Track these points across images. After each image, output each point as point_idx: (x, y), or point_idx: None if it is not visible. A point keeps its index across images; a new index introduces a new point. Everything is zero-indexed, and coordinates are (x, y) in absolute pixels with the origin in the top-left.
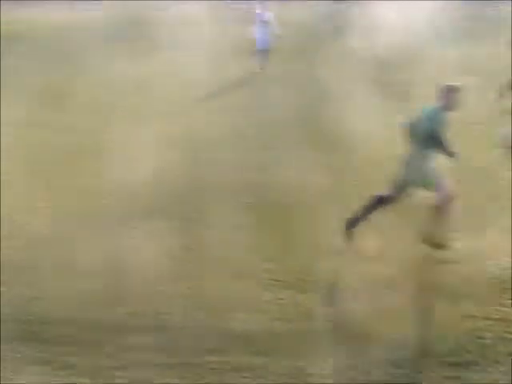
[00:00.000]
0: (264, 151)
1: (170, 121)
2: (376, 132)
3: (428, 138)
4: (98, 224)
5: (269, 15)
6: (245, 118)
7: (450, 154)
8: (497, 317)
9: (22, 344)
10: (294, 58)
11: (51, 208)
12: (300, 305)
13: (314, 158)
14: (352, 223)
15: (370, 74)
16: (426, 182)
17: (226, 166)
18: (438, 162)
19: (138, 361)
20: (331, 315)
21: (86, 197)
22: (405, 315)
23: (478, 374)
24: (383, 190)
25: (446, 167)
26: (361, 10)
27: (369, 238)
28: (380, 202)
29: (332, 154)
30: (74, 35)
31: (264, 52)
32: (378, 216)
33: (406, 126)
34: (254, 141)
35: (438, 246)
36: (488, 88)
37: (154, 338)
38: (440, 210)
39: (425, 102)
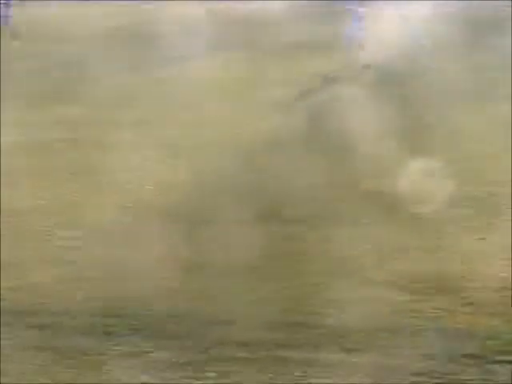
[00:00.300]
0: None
1: (259, 120)
2: None
3: None
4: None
5: (361, 12)
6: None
7: None
8: None
9: (121, 337)
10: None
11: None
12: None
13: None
14: None
15: None
16: None
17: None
18: None
19: (225, 355)
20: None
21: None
22: None
23: None
24: None
25: None
26: None
27: None
28: None
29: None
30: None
31: (359, 48)
32: None
33: None
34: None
35: None
36: None
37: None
38: None
39: None
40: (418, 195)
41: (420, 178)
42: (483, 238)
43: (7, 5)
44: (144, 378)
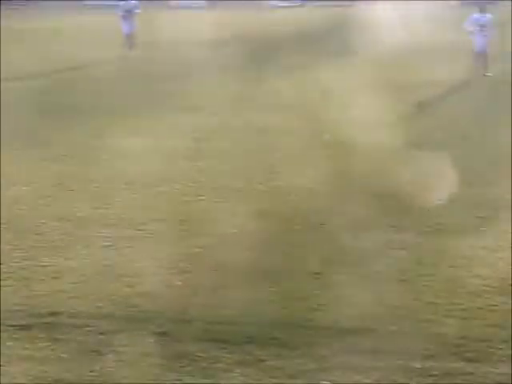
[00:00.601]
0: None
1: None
2: None
3: None
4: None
5: (487, 18)
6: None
7: None
8: None
9: (235, 345)
10: None
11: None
12: None
13: None
14: None
15: None
16: None
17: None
18: None
19: (342, 364)
20: None
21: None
22: None
23: None
24: None
25: None
26: None
27: None
28: None
29: None
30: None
31: (482, 56)
32: None
33: None
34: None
35: None
36: None
37: (360, 340)
38: None
39: None
40: None
41: None
42: None
43: (130, 16)
44: None
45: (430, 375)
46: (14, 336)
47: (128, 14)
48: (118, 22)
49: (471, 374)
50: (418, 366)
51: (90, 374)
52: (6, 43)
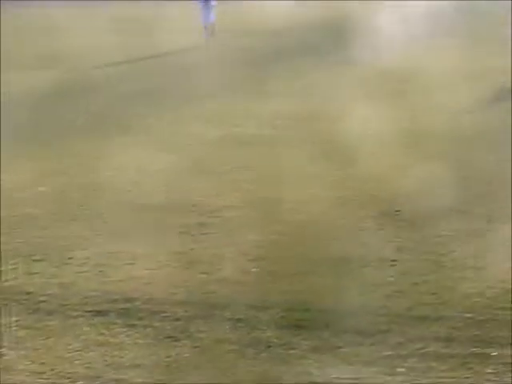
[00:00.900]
0: None
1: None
2: None
3: None
4: None
5: None
6: None
7: None
8: None
9: (311, 332)
10: None
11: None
12: None
13: None
14: None
15: None
16: None
17: None
18: None
19: (417, 351)
20: None
21: None
22: None
23: None
24: None
25: None
26: None
27: None
28: None
29: None
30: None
31: None
32: None
33: None
34: None
35: None
36: None
37: (435, 328)
38: None
39: None
40: None
41: None
42: None
43: (208, 5)
44: (334, 373)
45: (507, 363)
46: (90, 322)
47: (207, 3)
48: (194, 12)
49: None
50: (495, 353)
51: (166, 359)
52: (93, 30)
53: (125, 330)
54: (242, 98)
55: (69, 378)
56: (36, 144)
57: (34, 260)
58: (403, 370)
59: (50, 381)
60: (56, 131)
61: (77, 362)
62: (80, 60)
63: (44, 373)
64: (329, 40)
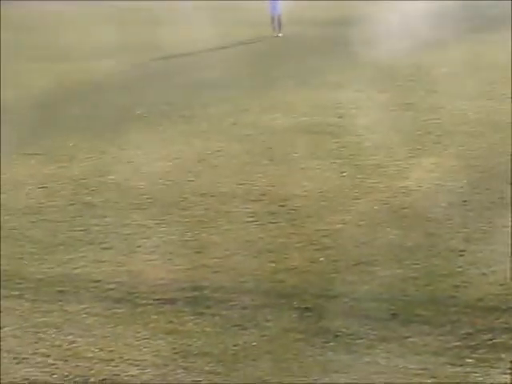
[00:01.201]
0: None
1: None
2: None
3: None
4: None
5: None
6: None
7: None
8: None
9: (379, 322)
10: None
11: None
12: None
13: None
14: None
15: None
16: None
17: None
18: None
19: (486, 342)
20: None
21: None
22: None
23: None
24: None
25: None
26: None
27: None
28: None
29: None
30: None
31: None
32: None
33: None
34: None
35: None
36: None
37: (504, 318)
38: None
39: None
40: None
41: None
42: None
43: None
44: (402, 363)
45: None
46: (159, 310)
47: None
48: (261, 4)
49: None
50: None
51: (234, 347)
52: (154, 23)
53: (193, 318)
54: (307, 87)
55: (137, 365)
56: (100, 133)
57: (102, 248)
58: (472, 361)
59: (119, 368)
60: (119, 120)
61: (145, 349)
62: (147, 51)
63: (112, 360)
64: (394, 28)
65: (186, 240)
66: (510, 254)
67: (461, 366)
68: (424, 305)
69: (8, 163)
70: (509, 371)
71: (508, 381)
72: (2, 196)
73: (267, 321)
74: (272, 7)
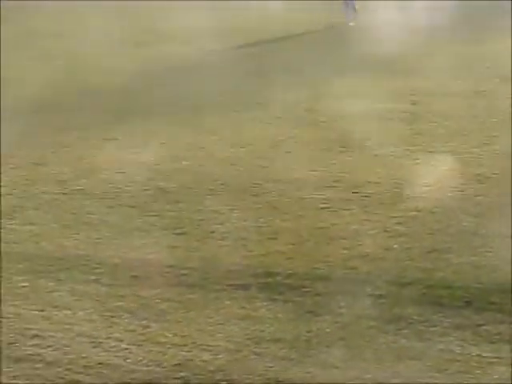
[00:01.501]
0: None
1: None
2: None
3: None
4: None
5: None
6: None
7: None
8: None
9: (452, 310)
10: None
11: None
12: None
13: None
14: None
15: None
16: None
17: None
18: None
19: None
20: None
21: None
22: None
23: None
24: None
25: None
26: None
27: None
28: None
29: None
30: None
31: None
32: None
33: None
34: None
35: None
36: None
37: None
38: None
39: None
40: None
41: None
42: None
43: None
44: (475, 351)
45: None
46: (232, 295)
47: None
48: None
49: None
50: None
51: (307, 334)
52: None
53: (266, 304)
54: (380, 74)
55: (210, 350)
56: (176, 118)
57: (175, 234)
58: None
59: (192, 353)
60: (195, 106)
61: (218, 335)
62: (219, 38)
63: (186, 345)
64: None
65: (259, 226)
66: None
67: None
68: (498, 293)
69: (88, 148)
70: None
71: None
72: (83, 181)
73: (340, 308)
74: None
